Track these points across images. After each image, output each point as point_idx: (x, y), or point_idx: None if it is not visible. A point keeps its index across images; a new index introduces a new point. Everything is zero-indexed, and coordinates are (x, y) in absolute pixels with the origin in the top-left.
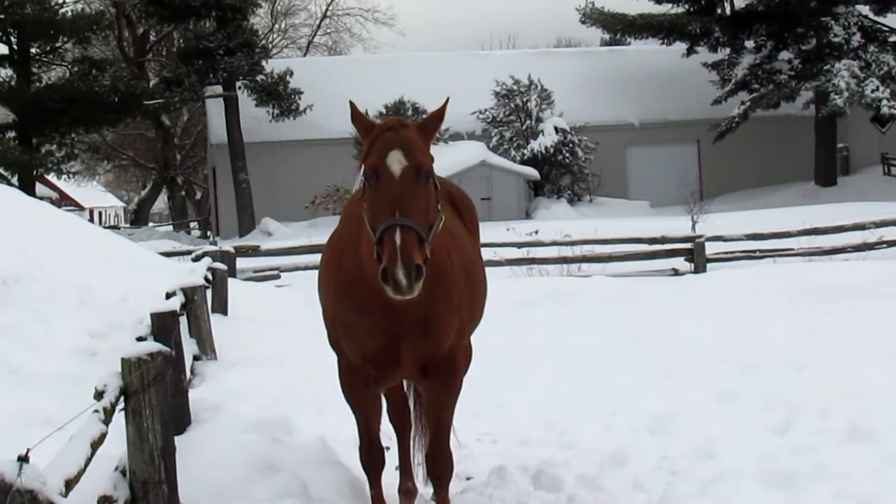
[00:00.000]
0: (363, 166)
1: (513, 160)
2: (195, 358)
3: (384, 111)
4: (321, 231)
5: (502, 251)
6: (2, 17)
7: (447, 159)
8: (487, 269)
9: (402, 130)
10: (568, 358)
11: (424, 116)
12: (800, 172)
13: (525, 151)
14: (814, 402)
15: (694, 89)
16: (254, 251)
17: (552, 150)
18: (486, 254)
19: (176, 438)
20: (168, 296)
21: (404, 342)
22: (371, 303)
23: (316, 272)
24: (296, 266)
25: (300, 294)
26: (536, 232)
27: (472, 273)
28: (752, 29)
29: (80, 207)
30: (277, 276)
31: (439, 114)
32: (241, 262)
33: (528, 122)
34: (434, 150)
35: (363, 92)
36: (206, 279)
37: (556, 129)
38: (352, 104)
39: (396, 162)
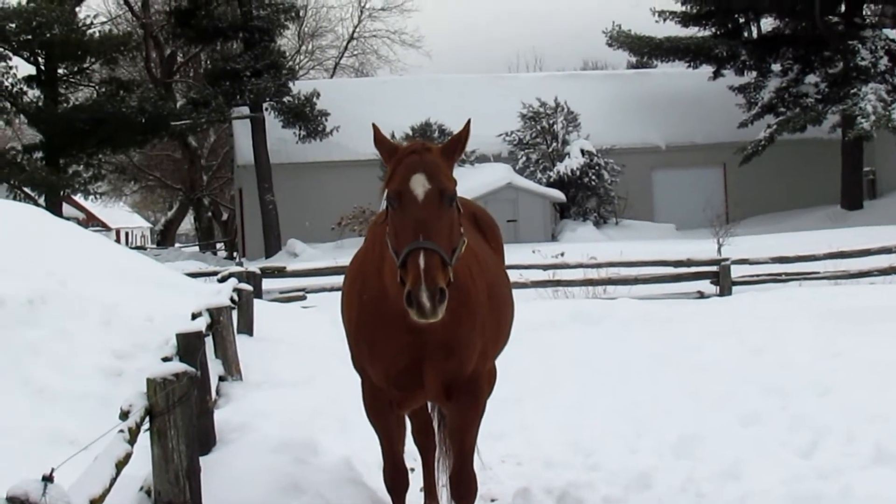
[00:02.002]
0: (386, 190)
1: (539, 182)
2: (221, 379)
3: (411, 133)
4: (347, 252)
5: (528, 273)
6: (29, 37)
7: (473, 181)
8: (514, 291)
9: (426, 154)
10: (593, 380)
11: (448, 139)
12: (826, 196)
13: (551, 174)
14: (840, 425)
15: (720, 112)
16: (280, 272)
17: (578, 173)
18: (512, 276)
19: (201, 459)
20: (194, 316)
21: (427, 364)
22: (394, 325)
23: (341, 294)
24: (321, 287)
25: (326, 315)
26: (562, 254)
27: (497, 294)
28: (779, 52)
29: (106, 228)
30: (303, 298)
31: (462, 136)
32: (267, 284)
33: (554, 144)
34: (460, 172)
35: (390, 113)
36: (232, 300)
37: (583, 152)
38: (375, 127)
39: (420, 185)
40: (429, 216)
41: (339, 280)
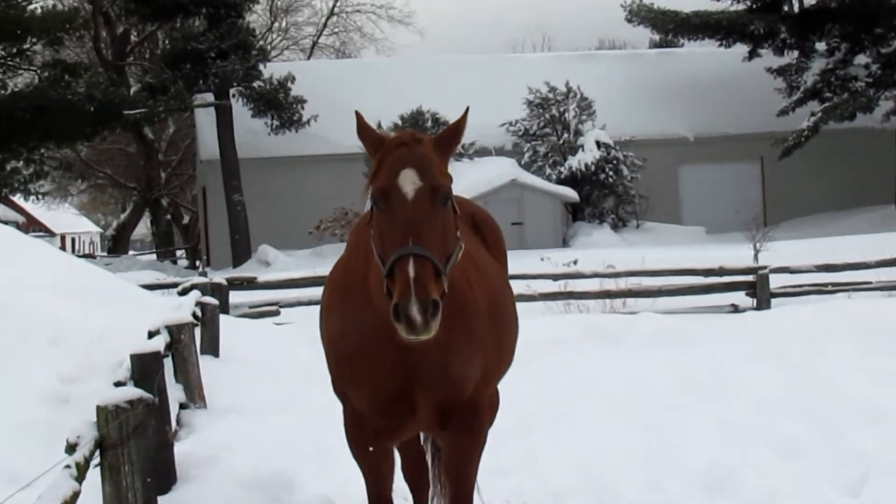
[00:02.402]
0: (371, 187)
1: (548, 179)
2: (182, 406)
3: (400, 122)
4: (327, 260)
5: (536, 284)
6: None
7: (472, 178)
8: (519, 305)
9: (416, 146)
10: (611, 407)
11: (443, 130)
12: (879, 194)
13: (562, 169)
14: (892, 458)
15: (757, 98)
16: (250, 283)
17: (593, 168)
18: (518, 287)
19: (159, 498)
20: (151, 335)
21: (419, 389)
22: (380, 343)
23: (319, 307)
24: (297, 301)
25: (303, 333)
26: (575, 262)
27: (499, 308)
28: (824, 29)
29: (50, 233)
30: (277, 313)
31: (458, 126)
32: (235, 296)
33: (565, 135)
34: (457, 167)
35: (376, 100)
36: (195, 315)
37: (598, 144)
38: (358, 115)
39: (409, 182)
40: (420, 218)
41: (317, 292)
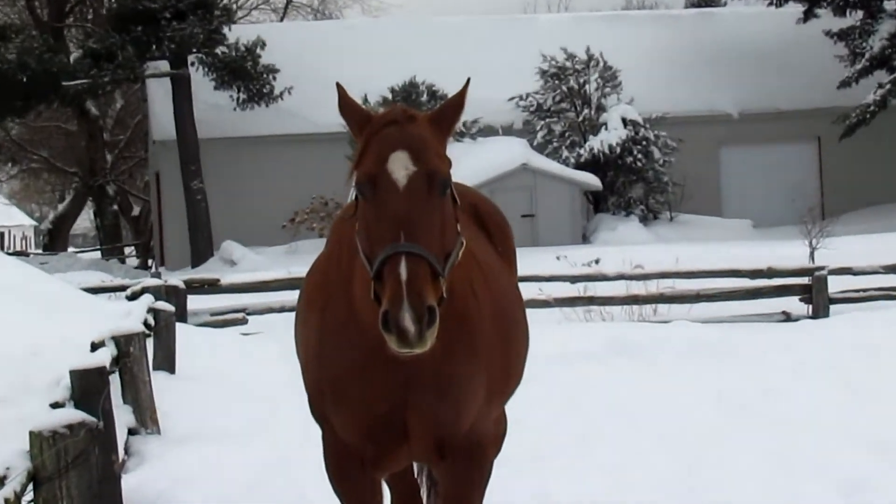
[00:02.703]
0: (356, 173)
1: (565, 163)
2: (131, 432)
3: (390, 96)
4: (303, 259)
5: (550, 287)
6: None
7: (475, 162)
8: (530, 312)
9: (409, 124)
10: (639, 434)
11: (440, 105)
12: None
13: (582, 151)
14: None
15: (813, 68)
16: (212, 286)
17: (619, 150)
18: (528, 290)
19: None
20: (94, 347)
21: (413, 412)
22: (367, 358)
23: (294, 315)
24: (268, 307)
25: (274, 345)
26: (597, 261)
27: (506, 316)
28: None
29: None
30: (244, 321)
31: (457, 101)
32: (195, 302)
33: (585, 111)
34: (457, 148)
35: (361, 69)
36: (147, 324)
37: (625, 122)
38: (340, 88)
39: (401, 167)
40: (413, 209)
41: (292, 297)
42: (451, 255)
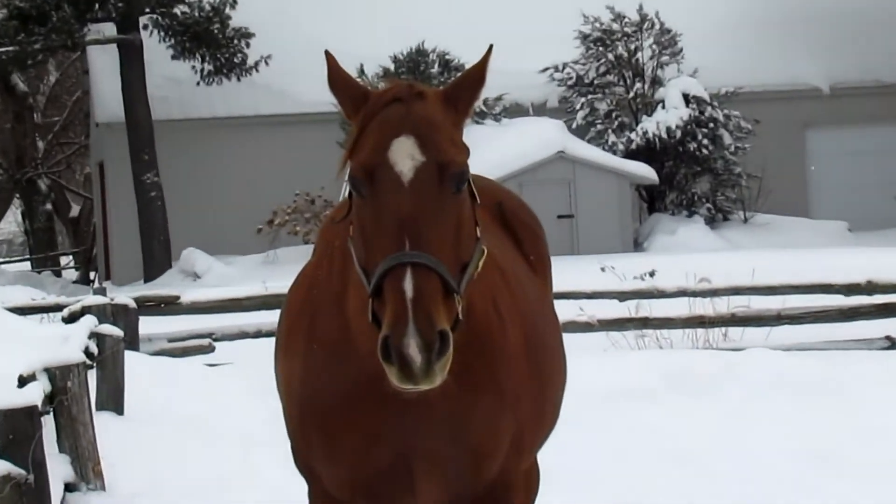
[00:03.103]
0: (350, 164)
1: (612, 150)
2: (69, 487)
3: (392, 67)
4: (284, 271)
5: (594, 306)
6: None
7: (499, 149)
8: (569, 337)
9: (416, 103)
10: (706, 488)
11: (455, 79)
12: None
13: (633, 135)
14: None
15: None
16: (170, 305)
17: (679, 134)
18: (566, 310)
19: None
20: (23, 381)
21: (422, 463)
22: (365, 395)
23: (274, 341)
24: (241, 331)
25: (248, 378)
26: (652, 273)
27: (539, 342)
28: None
29: None
30: (210, 349)
31: (477, 74)
32: (149, 324)
33: (638, 85)
34: (477, 134)
35: (356, 34)
36: (89, 353)
37: (687, 99)
38: (329, 58)
39: (406, 157)
40: (421, 209)
41: (270, 318)
42: (469, 265)
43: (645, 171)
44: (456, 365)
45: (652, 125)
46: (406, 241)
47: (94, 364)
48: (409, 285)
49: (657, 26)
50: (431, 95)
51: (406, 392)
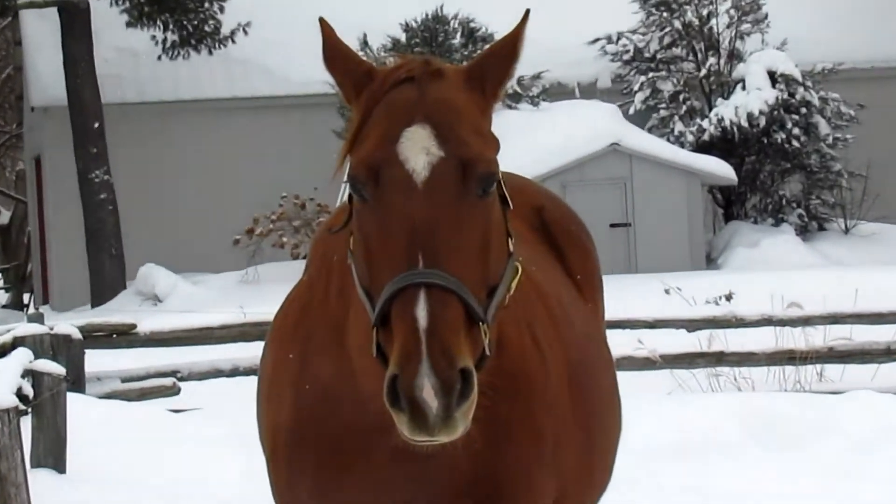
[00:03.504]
0: (350, 160)
1: (679, 142)
2: None
3: (404, 38)
4: (267, 293)
5: (655, 337)
6: None
7: (539, 141)
8: (625, 376)
9: (433, 84)
10: None
11: (481, 52)
12: None
13: (705, 124)
14: None
15: None
16: (124, 335)
17: (763, 122)
18: (621, 342)
19: None
20: None
21: None
22: (368, 448)
23: (255, 380)
24: (213, 368)
25: (221, 428)
26: (729, 297)
27: (588, 382)
28: None
29: None
30: (174, 391)
31: (510, 46)
32: (98, 360)
33: (711, 60)
34: (507, 121)
35: None
36: (23, 396)
37: (774, 77)
38: (325, 26)
39: (420, 152)
40: (438, 217)
41: (250, 353)
42: (499, 287)
43: (720, 169)
44: (482, 411)
45: (729, 111)
46: (419, 257)
47: (29, 409)
48: (422, 312)
49: None
50: (452, 74)
51: (420, 445)
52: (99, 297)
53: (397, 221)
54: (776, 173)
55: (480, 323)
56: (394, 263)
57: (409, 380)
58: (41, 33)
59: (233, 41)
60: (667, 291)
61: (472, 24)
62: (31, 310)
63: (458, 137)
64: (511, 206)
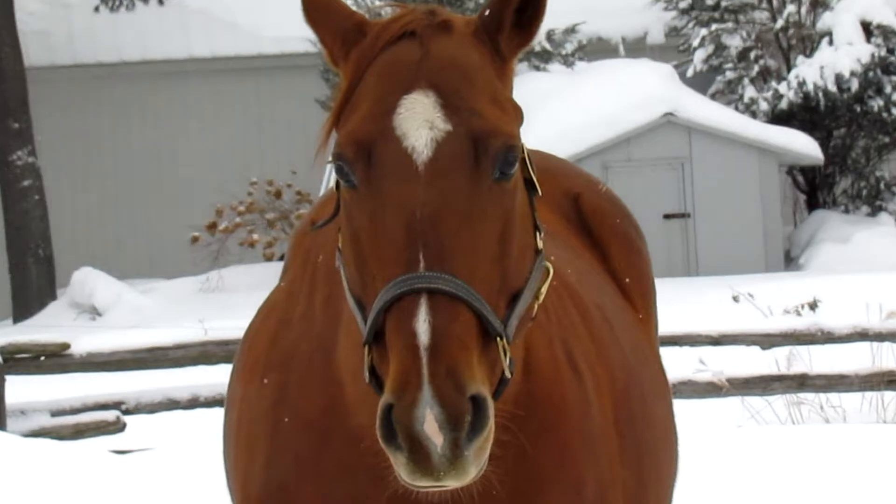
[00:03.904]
0: (336, 137)
1: (749, 111)
2: None
3: None
4: (234, 303)
5: (721, 357)
6: None
7: (574, 111)
8: (685, 404)
9: (438, 39)
10: None
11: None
12: None
13: (781, 88)
14: None
15: None
16: (54, 358)
17: (855, 85)
18: (679, 362)
19: None
20: None
21: None
22: (362, 495)
23: (221, 413)
24: (168, 398)
25: (176, 473)
26: (814, 305)
27: (638, 411)
28: None
29: None
30: (118, 427)
31: None
32: (22, 388)
33: (789, 8)
34: (532, 86)
35: None
36: None
37: (868, 29)
38: None
39: (422, 125)
40: (445, 206)
41: (213, 379)
42: (522, 294)
43: (802, 145)
44: (504, 449)
45: (813, 71)
46: (420, 257)
47: None
48: (423, 325)
49: None
50: (462, 27)
51: (419, 490)
52: (23, 309)
53: (393, 213)
54: (872, 150)
55: (498, 338)
56: (389, 266)
57: (406, 410)
58: None
59: None
60: (735, 299)
61: None
62: None
63: (469, 107)
64: (539, 192)
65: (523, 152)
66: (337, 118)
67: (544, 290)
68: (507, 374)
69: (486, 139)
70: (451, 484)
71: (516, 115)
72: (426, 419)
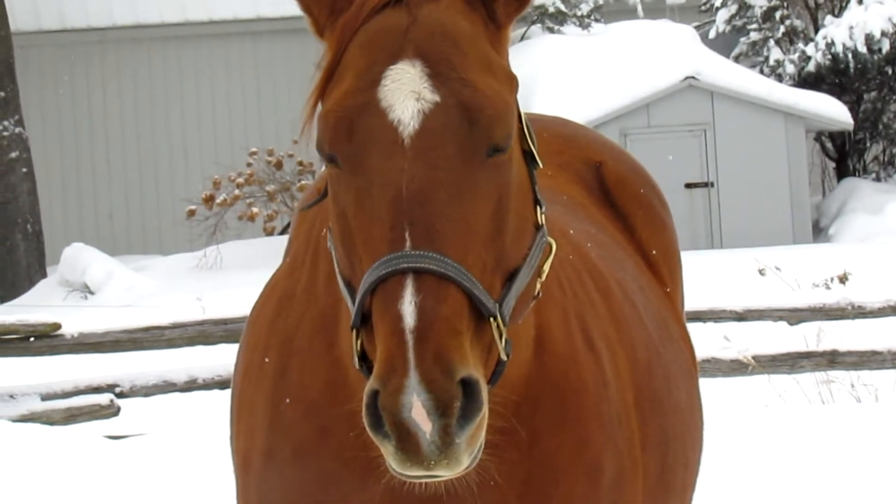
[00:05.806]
0: (319, 110)
1: (776, 76)
2: None
3: None
4: (233, 282)
5: (747, 333)
6: None
7: (590, 75)
8: (711, 383)
9: (425, 5)
10: None
11: None
12: None
13: (809, 50)
14: None
15: None
16: (44, 339)
17: (887, 47)
18: (704, 339)
19: None
20: None
21: None
22: (367, 482)
23: (227, 395)
24: (164, 381)
25: (173, 459)
26: (844, 279)
27: (662, 394)
28: None
29: None
30: (111, 411)
31: None
32: (10, 370)
33: None
34: (546, 48)
35: None
36: None
37: None
38: None
39: (408, 95)
40: (432, 183)
41: (213, 361)
42: (520, 272)
43: (830, 110)
44: (513, 436)
45: (842, 32)
46: (406, 236)
47: None
48: (409, 307)
49: None
50: None
51: (410, 480)
52: (11, 287)
53: (379, 189)
54: None
55: (495, 319)
56: (375, 246)
57: (392, 397)
58: None
59: None
60: (761, 272)
61: None
62: None
63: (459, 76)
64: (540, 165)
65: (521, 122)
66: (321, 91)
67: (547, 266)
68: (503, 357)
69: (478, 110)
70: (444, 474)
71: (511, 84)
72: (413, 406)
